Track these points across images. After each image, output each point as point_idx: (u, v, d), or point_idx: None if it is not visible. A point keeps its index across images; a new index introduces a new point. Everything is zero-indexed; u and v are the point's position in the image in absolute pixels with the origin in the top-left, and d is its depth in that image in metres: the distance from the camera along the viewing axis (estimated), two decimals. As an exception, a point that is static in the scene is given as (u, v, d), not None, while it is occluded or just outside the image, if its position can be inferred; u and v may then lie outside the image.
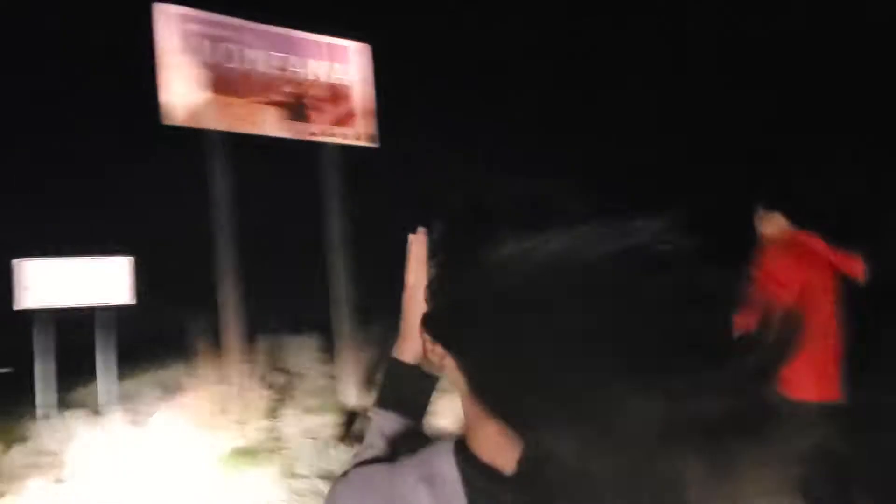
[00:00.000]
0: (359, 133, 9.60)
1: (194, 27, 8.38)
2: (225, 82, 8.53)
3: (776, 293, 3.39)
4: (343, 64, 9.63)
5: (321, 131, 9.31)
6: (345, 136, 9.50)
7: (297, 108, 9.12)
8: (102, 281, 10.94)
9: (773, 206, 3.81)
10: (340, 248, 9.24)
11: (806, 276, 3.52)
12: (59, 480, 6.73)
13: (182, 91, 8.15)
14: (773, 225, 3.79)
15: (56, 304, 11.13)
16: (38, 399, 9.50)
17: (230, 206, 8.39)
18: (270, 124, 8.87)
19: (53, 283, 11.29)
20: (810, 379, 3.33)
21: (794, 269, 3.55)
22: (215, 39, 8.54)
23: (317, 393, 9.52)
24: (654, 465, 0.62)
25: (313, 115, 9.27)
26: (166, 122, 8.02)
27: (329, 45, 9.55)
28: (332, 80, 9.51)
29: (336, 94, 9.52)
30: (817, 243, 3.67)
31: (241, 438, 7.57)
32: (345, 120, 9.53)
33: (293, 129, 9.09)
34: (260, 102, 8.80)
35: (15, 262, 11.67)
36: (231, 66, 8.63)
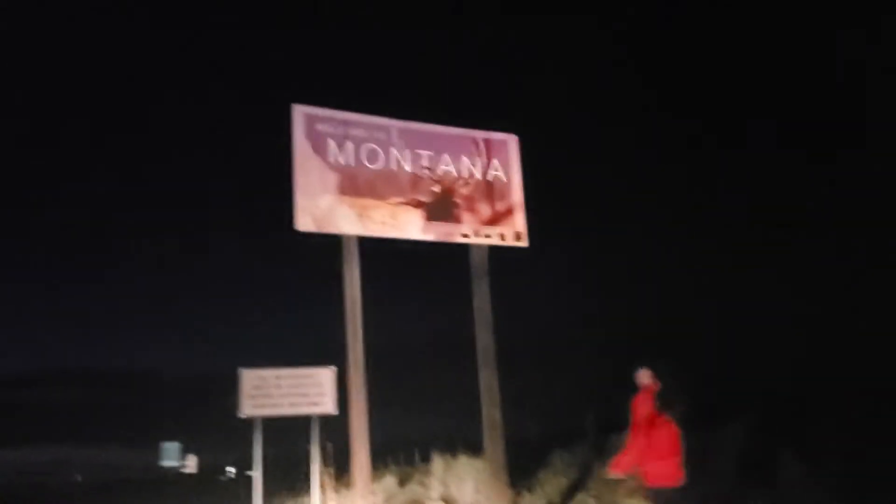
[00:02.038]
0: (512, 232, 8.64)
1: (333, 128, 7.97)
2: (366, 184, 7.98)
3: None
4: (497, 159, 8.82)
5: (474, 232, 8.45)
6: (499, 237, 8.57)
7: (445, 208, 8.37)
8: (311, 391, 10.87)
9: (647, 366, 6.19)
10: (491, 361, 8.18)
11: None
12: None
13: (318, 195, 7.66)
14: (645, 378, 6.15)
15: (271, 413, 11.57)
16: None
17: (364, 314, 7.66)
18: (415, 227, 8.15)
19: (268, 391, 11.76)
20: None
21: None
22: (356, 140, 8.06)
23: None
24: None
25: (464, 215, 8.47)
26: (301, 228, 7.52)
27: (482, 139, 8.81)
28: (487, 177, 8.71)
29: (490, 191, 8.69)
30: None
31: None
32: (498, 219, 8.64)
33: (441, 232, 8.30)
34: (404, 204, 8.14)
35: (240, 370, 11.98)
36: (373, 167, 8.08)
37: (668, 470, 5.50)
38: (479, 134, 8.80)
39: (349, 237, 7.75)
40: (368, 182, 8.00)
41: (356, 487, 7.32)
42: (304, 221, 7.55)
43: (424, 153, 8.39)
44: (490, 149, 8.80)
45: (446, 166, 8.48)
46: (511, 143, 8.96)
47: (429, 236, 8.22)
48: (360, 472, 7.35)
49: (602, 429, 15.03)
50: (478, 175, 8.64)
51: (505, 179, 8.78)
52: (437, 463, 11.61)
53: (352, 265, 7.70)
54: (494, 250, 8.54)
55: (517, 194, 8.80)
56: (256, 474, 11.97)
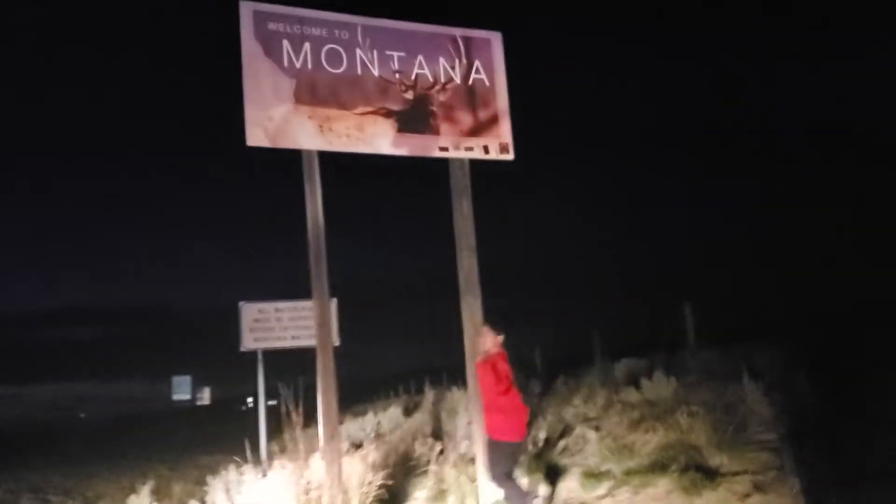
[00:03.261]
0: (497, 144, 7.70)
1: (288, 27, 6.98)
2: (327, 92, 7.02)
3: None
4: (479, 60, 7.81)
5: (453, 145, 7.52)
6: (482, 149, 7.64)
7: (420, 117, 7.42)
8: (312, 323, 11.10)
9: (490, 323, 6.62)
10: (474, 287, 7.36)
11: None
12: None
13: (272, 105, 6.73)
14: (486, 336, 6.48)
15: (272, 346, 11.60)
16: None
17: (325, 240, 6.83)
18: (385, 140, 7.22)
19: (269, 325, 11.85)
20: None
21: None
22: (316, 41, 7.08)
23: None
24: None
25: (442, 125, 7.52)
26: (251, 144, 6.63)
27: (461, 37, 7.78)
28: (467, 81, 7.72)
29: (472, 97, 7.71)
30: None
31: None
32: (481, 129, 7.68)
33: (416, 145, 7.37)
34: (371, 114, 7.19)
35: (240, 304, 11.89)
36: (335, 71, 7.11)
37: (517, 426, 6.09)
38: (458, 31, 7.77)
39: (309, 153, 6.85)
40: (330, 89, 7.04)
41: (324, 427, 6.60)
42: (256, 135, 6.63)
43: (395, 55, 7.39)
44: (471, 49, 7.78)
45: (420, 69, 7.49)
46: (495, 41, 7.92)
47: (401, 150, 7.29)
48: (327, 411, 6.62)
49: (607, 353, 14.43)
50: (457, 79, 7.65)
51: (488, 84, 7.79)
52: (429, 396, 10.98)
53: (313, 184, 6.82)
54: (477, 165, 7.63)
55: (502, 100, 7.82)
56: (262, 405, 12.03)
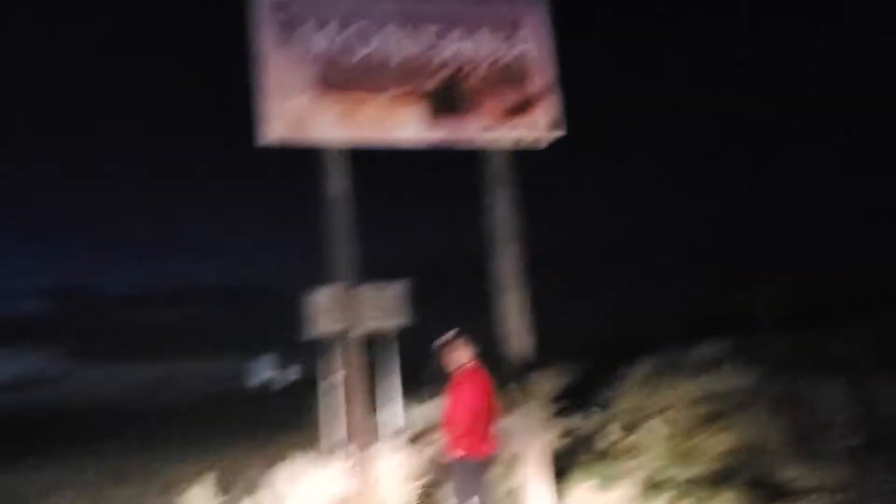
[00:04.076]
0: (543, 121, 7.06)
1: (305, 9, 6.51)
2: (353, 75, 6.54)
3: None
4: (524, 31, 7.16)
5: (493, 127, 6.93)
6: (527, 128, 7.02)
7: (457, 98, 6.85)
8: (386, 304, 10.73)
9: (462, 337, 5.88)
10: (514, 282, 6.80)
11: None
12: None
13: (292, 94, 6.31)
14: (463, 349, 5.86)
15: (348, 328, 11.62)
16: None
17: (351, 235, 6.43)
18: (417, 125, 6.69)
19: (347, 306, 11.90)
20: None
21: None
22: (342, 17, 6.59)
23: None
24: None
25: (481, 104, 6.93)
26: (267, 138, 6.22)
27: (503, 6, 7.14)
28: (508, 56, 7.09)
29: (511, 74, 7.08)
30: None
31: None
32: (525, 107, 7.06)
33: (453, 128, 6.82)
34: (403, 95, 6.67)
35: (316, 287, 11.91)
36: (363, 51, 6.61)
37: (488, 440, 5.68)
38: (500, 0, 7.14)
39: (331, 143, 6.40)
40: (357, 71, 6.52)
41: (352, 437, 6.24)
42: (274, 129, 6.21)
43: (429, 28, 6.82)
44: (514, 19, 7.14)
45: (458, 43, 6.89)
46: (540, 9, 7.25)
47: (437, 135, 6.75)
48: (352, 421, 6.25)
49: (681, 338, 13.58)
50: (498, 53, 7.03)
51: (533, 56, 7.13)
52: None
53: (336, 176, 6.38)
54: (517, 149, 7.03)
55: (549, 74, 7.15)
56: (338, 385, 12.16)
